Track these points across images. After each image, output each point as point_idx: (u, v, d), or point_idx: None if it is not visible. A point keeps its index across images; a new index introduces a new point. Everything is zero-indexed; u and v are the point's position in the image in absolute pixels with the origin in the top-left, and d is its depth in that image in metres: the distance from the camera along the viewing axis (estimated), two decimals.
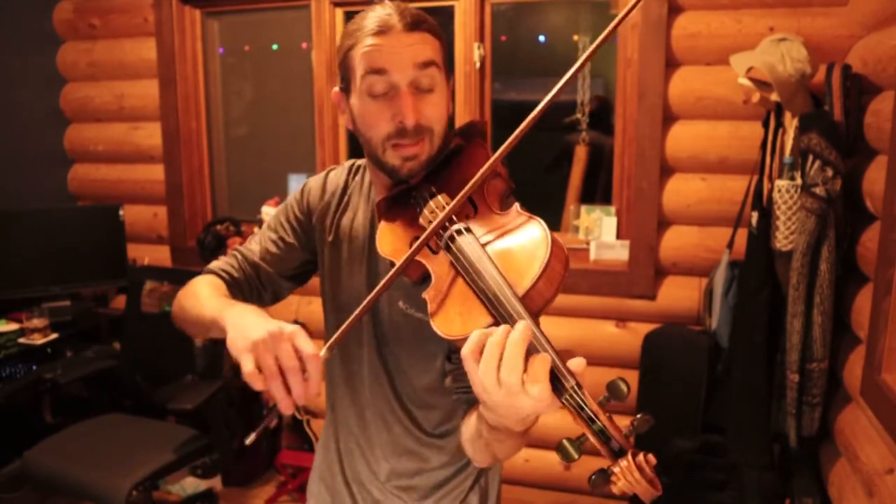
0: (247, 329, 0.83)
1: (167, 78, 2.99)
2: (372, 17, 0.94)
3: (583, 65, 0.80)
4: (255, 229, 2.94)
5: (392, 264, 0.88)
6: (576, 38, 2.74)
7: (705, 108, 2.38)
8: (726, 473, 2.17)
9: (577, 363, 0.71)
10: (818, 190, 1.79)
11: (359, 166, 1.18)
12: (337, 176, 1.18)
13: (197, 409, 2.25)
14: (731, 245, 2.29)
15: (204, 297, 1.04)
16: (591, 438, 0.68)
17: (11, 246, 2.79)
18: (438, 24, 0.99)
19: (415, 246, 0.84)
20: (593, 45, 0.81)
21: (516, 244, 0.81)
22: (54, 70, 3.16)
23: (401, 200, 0.98)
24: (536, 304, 0.77)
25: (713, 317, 2.28)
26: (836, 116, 1.87)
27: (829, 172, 1.79)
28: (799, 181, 1.88)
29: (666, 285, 2.52)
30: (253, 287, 1.18)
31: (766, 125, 2.16)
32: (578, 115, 2.75)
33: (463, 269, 0.81)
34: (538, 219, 0.82)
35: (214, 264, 1.17)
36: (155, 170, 3.10)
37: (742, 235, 2.22)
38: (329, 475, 1.28)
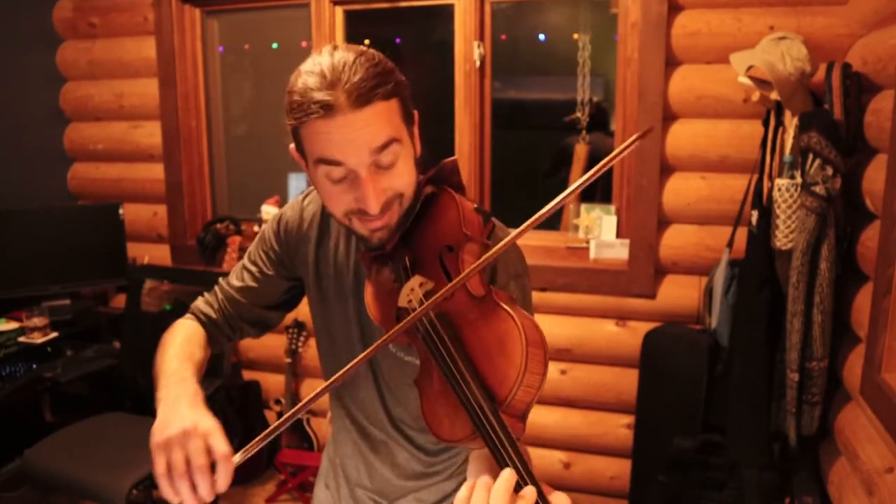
0: (167, 423, 0.82)
1: (167, 77, 2.99)
2: (314, 87, 0.84)
3: (571, 194, 0.77)
4: (255, 228, 2.98)
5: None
6: (576, 36, 2.74)
7: (705, 107, 2.38)
8: (726, 473, 2.17)
9: (560, 499, 0.69)
10: (818, 189, 1.79)
11: None
12: (313, 204, 1.14)
13: None
14: (731, 244, 2.29)
15: (169, 356, 1.03)
16: None
17: (11, 245, 2.79)
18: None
19: (389, 332, 0.81)
20: (593, 172, 0.76)
21: (494, 346, 0.77)
22: (54, 69, 3.16)
23: (380, 260, 0.95)
24: (519, 410, 0.75)
25: (713, 316, 2.28)
26: (836, 115, 1.87)
27: (829, 171, 1.79)
28: (799, 180, 1.88)
29: (666, 284, 2.52)
30: (234, 326, 1.17)
31: (766, 124, 2.16)
32: (578, 115, 2.75)
33: (445, 373, 0.79)
34: (510, 311, 0.77)
35: (196, 305, 1.18)
36: (155, 168, 3.10)
37: (742, 234, 2.22)
38: (336, 494, 1.29)
